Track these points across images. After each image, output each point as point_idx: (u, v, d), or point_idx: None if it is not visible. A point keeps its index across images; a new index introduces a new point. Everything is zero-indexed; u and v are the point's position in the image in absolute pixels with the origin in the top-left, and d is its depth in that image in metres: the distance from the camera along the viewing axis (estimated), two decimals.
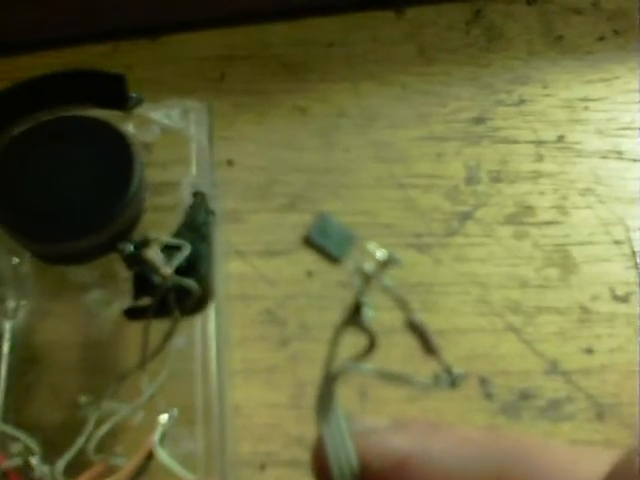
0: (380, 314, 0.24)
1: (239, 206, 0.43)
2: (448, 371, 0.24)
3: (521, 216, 0.43)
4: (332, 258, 0.24)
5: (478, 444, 0.24)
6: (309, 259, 0.42)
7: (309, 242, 0.24)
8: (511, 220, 0.43)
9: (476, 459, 0.22)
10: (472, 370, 0.39)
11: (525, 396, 0.38)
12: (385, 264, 0.24)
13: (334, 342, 0.24)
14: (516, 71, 0.48)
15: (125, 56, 0.48)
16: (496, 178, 0.44)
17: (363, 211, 0.43)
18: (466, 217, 0.43)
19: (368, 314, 0.23)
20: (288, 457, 0.37)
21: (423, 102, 0.47)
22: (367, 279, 0.24)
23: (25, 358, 0.35)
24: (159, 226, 0.36)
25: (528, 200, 0.43)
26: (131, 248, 0.32)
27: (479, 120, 0.46)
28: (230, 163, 0.44)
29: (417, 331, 0.24)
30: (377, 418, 0.26)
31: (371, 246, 0.24)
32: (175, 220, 0.35)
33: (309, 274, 0.41)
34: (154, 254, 0.31)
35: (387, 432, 0.25)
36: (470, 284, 0.41)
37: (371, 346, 0.25)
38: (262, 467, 0.36)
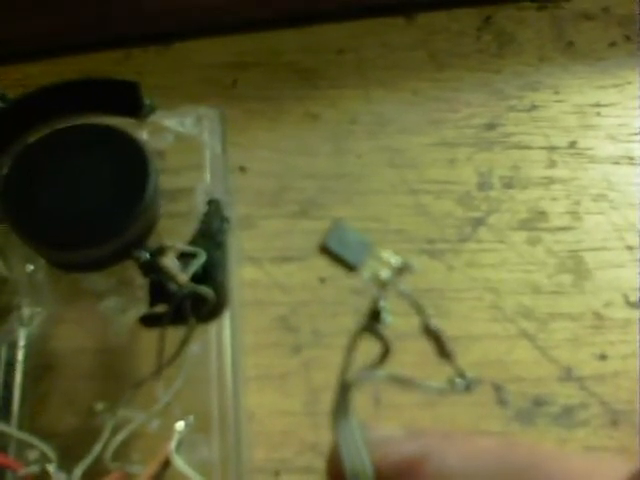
0: (393, 319, 0.24)
1: (252, 212, 0.43)
2: (462, 376, 0.24)
3: (534, 222, 0.43)
4: (348, 266, 0.24)
5: (493, 454, 0.24)
6: (322, 265, 0.42)
7: (325, 250, 0.24)
8: (524, 226, 0.43)
9: (491, 469, 0.22)
10: (485, 376, 0.39)
11: (539, 402, 0.38)
12: (400, 271, 0.24)
13: (350, 349, 0.24)
14: (527, 77, 0.48)
15: (136, 63, 0.48)
16: (508, 184, 0.44)
17: (375, 217, 0.43)
18: (479, 223, 0.43)
19: (387, 320, 0.23)
20: (302, 464, 0.37)
21: (435, 108, 0.47)
22: (383, 286, 0.24)
23: (40, 365, 0.35)
24: (173, 233, 0.36)
25: (541, 206, 0.43)
26: (147, 256, 0.32)
27: (491, 126, 0.46)
28: (242, 169, 0.44)
29: (433, 336, 0.24)
30: (391, 427, 0.26)
31: (386, 253, 0.24)
32: (189, 227, 0.35)
33: (322, 280, 0.41)
34: (170, 262, 0.31)
35: (401, 441, 0.25)
36: (483, 290, 0.41)
37: (386, 353, 0.25)
38: (276, 474, 0.36)
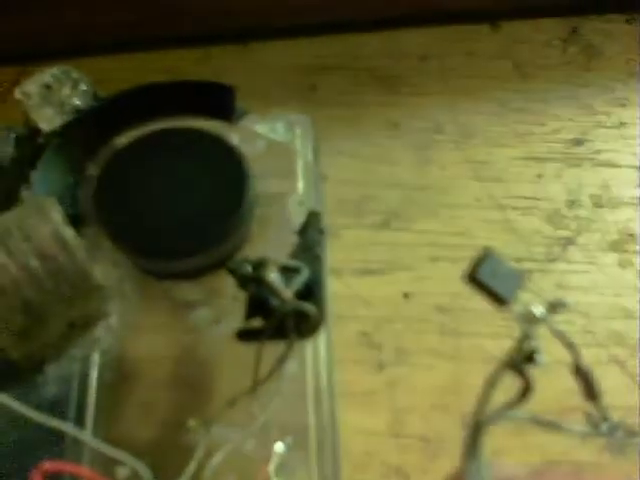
0: None
1: (333, 221, 0.42)
2: (606, 419, 0.23)
3: (624, 244, 0.41)
4: (499, 299, 0.23)
5: None
6: (405, 279, 0.41)
7: (475, 280, 0.23)
8: (615, 247, 0.41)
9: None
10: (576, 404, 0.37)
11: (631, 432, 0.37)
12: (553, 307, 0.23)
13: (490, 386, 0.23)
14: (615, 92, 0.47)
15: (215, 62, 0.47)
16: (598, 203, 0.43)
17: (461, 232, 0.42)
18: (568, 242, 0.41)
19: (541, 361, 0.22)
20: None
21: (521, 120, 0.46)
22: (536, 322, 0.23)
23: (126, 375, 0.34)
24: (265, 241, 0.35)
25: (631, 227, 0.42)
26: (249, 269, 0.30)
27: (579, 141, 0.45)
28: (323, 177, 0.43)
29: (582, 376, 0.23)
30: (516, 466, 0.25)
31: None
32: (280, 235, 0.34)
33: (405, 295, 0.40)
34: (275, 277, 0.30)
35: None
36: (573, 313, 0.39)
37: (527, 393, 0.23)
38: None
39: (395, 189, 0.43)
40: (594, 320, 0.39)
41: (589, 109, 0.46)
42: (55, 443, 0.31)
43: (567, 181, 0.43)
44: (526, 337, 0.22)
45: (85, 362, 0.34)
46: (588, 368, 0.22)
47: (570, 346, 0.22)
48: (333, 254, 0.41)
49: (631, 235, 0.42)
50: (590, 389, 0.22)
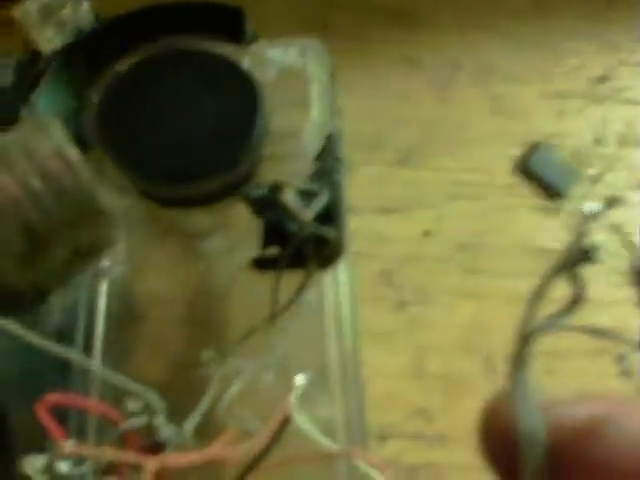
0: None
1: (348, 157, 0.39)
2: None
3: None
4: (550, 192, 0.21)
5: None
6: (425, 217, 0.39)
7: (525, 171, 0.21)
8: None
9: None
10: (608, 345, 0.35)
11: None
12: (610, 203, 0.21)
13: (539, 294, 0.21)
14: (639, 30, 0.45)
15: None
16: (623, 141, 0.41)
17: (479, 168, 0.40)
18: (594, 181, 0.39)
19: (600, 257, 0.20)
20: (411, 429, 0.34)
21: (541, 57, 0.44)
22: (592, 219, 0.21)
23: (136, 310, 0.32)
24: (278, 172, 0.33)
25: None
26: (264, 192, 0.28)
27: (602, 79, 0.43)
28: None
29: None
30: (562, 392, 0.23)
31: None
32: (296, 166, 0.32)
33: (426, 233, 0.38)
34: (292, 199, 0.28)
35: (577, 403, 0.23)
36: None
37: (578, 298, 0.21)
38: (382, 439, 0.33)
39: (411, 125, 0.41)
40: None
41: (612, 46, 0.44)
42: (61, 374, 0.29)
43: (590, 119, 0.41)
44: (581, 235, 0.20)
45: (92, 292, 0.31)
46: None
47: (629, 245, 0.20)
48: (351, 191, 0.39)
49: None
50: None
